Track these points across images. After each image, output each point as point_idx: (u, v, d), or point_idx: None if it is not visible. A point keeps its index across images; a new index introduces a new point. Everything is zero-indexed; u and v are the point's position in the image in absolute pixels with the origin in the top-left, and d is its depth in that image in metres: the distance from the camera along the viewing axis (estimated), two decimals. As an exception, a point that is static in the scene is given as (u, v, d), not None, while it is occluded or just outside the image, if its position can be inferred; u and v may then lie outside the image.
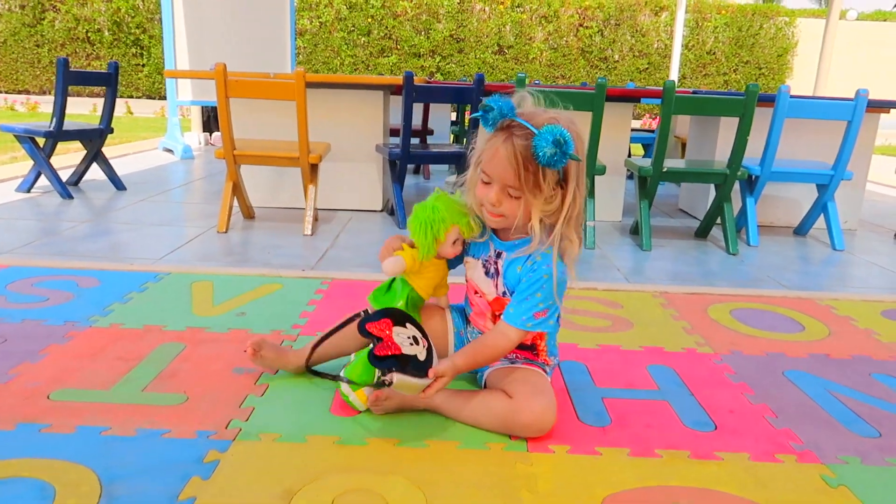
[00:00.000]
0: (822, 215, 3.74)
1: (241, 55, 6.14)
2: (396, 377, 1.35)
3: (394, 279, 1.63)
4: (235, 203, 3.55)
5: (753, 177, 3.58)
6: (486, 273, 1.56)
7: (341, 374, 1.59)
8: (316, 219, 3.58)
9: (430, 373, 1.39)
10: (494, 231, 1.55)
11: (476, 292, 1.62)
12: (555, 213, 1.41)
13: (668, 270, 2.99)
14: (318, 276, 2.61)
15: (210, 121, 7.01)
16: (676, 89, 3.19)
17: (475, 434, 1.47)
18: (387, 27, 15.33)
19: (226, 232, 3.32)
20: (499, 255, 1.54)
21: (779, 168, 3.52)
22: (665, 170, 3.32)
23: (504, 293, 1.54)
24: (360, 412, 1.55)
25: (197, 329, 2.02)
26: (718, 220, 3.60)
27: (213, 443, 1.41)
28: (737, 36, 16.08)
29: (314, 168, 3.42)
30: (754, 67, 16.24)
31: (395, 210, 3.67)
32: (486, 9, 15.62)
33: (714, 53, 16.15)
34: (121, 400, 1.58)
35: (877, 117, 3.98)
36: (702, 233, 3.71)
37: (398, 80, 3.60)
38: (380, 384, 1.39)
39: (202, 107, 6.78)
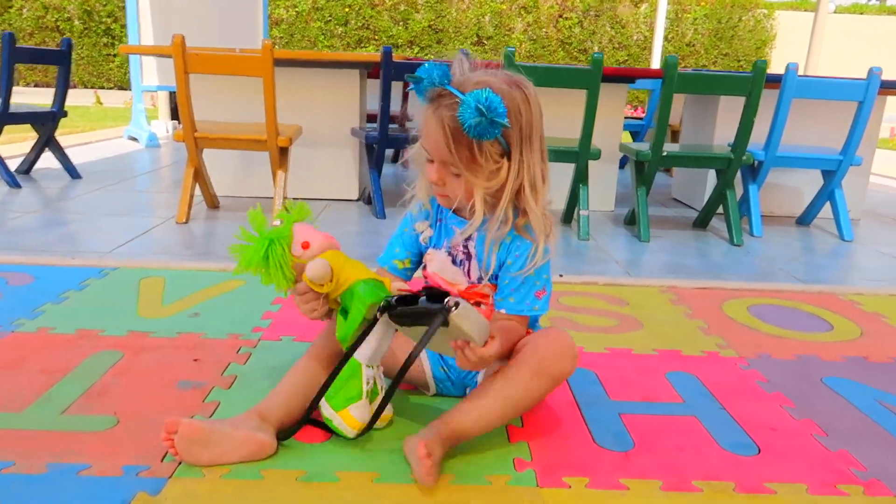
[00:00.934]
0: (826, 204, 3.53)
1: (208, 34, 5.77)
2: (463, 305, 1.10)
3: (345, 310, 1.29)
4: (198, 192, 3.24)
5: (756, 163, 3.34)
6: (454, 261, 1.33)
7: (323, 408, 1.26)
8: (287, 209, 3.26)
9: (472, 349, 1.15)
10: (455, 211, 1.32)
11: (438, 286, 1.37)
12: (500, 189, 1.22)
13: (670, 263, 2.74)
14: (285, 271, 2.31)
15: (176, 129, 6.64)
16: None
17: (471, 466, 1.19)
18: (364, 17, 14.93)
19: (186, 223, 3.01)
20: (467, 238, 1.31)
21: (784, 153, 3.29)
22: (665, 154, 3.07)
23: (480, 279, 1.32)
24: (349, 437, 1.25)
25: (140, 334, 1.72)
26: (719, 210, 3.36)
27: (143, 482, 1.12)
28: (716, 28, 15.92)
29: (284, 152, 3.11)
30: (733, 59, 16.10)
31: (373, 199, 3.38)
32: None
33: (693, 45, 15.98)
34: (34, 425, 1.28)
35: (883, 101, 3.76)
36: (701, 223, 3.46)
37: (375, 56, 3.30)
38: (432, 314, 1.10)
39: (170, 93, 6.41)
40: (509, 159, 1.20)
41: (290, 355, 1.63)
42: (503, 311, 1.31)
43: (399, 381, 1.19)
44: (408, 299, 1.16)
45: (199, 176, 3.16)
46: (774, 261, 2.85)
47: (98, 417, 1.32)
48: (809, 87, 3.16)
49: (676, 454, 1.28)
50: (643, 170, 3.19)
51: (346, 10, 14.86)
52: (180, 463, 1.17)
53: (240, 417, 1.23)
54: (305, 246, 1.23)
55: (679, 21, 15.99)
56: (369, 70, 3.83)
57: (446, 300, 1.10)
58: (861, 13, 18.91)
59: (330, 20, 14.90)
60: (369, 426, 1.23)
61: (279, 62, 3.01)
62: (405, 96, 4.79)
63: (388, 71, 3.10)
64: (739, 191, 3.41)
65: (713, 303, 2.20)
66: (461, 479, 1.16)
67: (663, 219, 3.64)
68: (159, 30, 5.52)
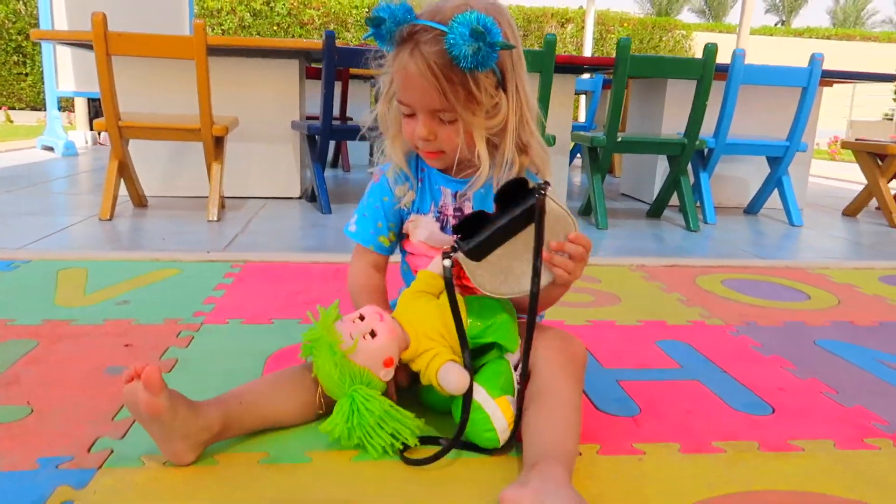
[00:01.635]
0: (772, 196, 3.54)
1: (130, 25, 5.43)
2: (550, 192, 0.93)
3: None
4: (124, 190, 2.97)
5: (707, 151, 3.32)
6: (443, 227, 1.15)
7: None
8: (223, 206, 3.03)
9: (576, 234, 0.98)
10: (441, 170, 1.14)
11: (426, 255, 1.18)
12: (502, 127, 1.04)
13: (631, 248, 2.65)
14: (227, 259, 2.10)
15: (99, 116, 6.24)
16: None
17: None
18: (294, 36, 14.68)
19: (110, 219, 2.73)
20: (460, 198, 1.14)
21: (734, 140, 3.28)
22: (619, 140, 3.00)
23: None
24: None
25: (58, 322, 1.48)
26: (671, 202, 3.33)
27: (64, 475, 0.90)
28: (638, 48, 16.43)
29: (219, 143, 2.88)
30: (657, 77, 16.66)
31: (318, 195, 3.18)
32: (397, 16, 15.28)
33: (619, 63, 16.45)
34: (-77, 420, 1.04)
35: (821, 91, 3.83)
36: (655, 212, 3.41)
37: (316, 44, 3.13)
38: (525, 213, 0.93)
39: (88, 100, 6.02)
40: (506, 90, 1.03)
41: (239, 338, 1.43)
42: None
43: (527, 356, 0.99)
44: (469, 225, 0.96)
45: (125, 171, 2.89)
46: (734, 244, 2.80)
47: (6, 408, 1.08)
48: (756, 73, 3.17)
49: (687, 417, 1.15)
50: (598, 157, 3.11)
51: (275, 28, 14.49)
52: (112, 452, 0.96)
53: (203, 415, 0.94)
54: (389, 363, 0.99)
55: (604, 41, 16.42)
56: (309, 62, 3.65)
57: (542, 187, 0.92)
58: (770, 35, 19.94)
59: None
60: (515, 430, 0.98)
61: (211, 50, 2.79)
62: (344, 95, 4.62)
63: (330, 56, 2.92)
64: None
65: (686, 278, 2.10)
66: (460, 451, 0.99)
67: (616, 211, 3.57)
68: (75, 19, 5.10)
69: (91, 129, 6.19)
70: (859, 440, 1.09)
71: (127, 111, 2.83)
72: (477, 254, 0.96)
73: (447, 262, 0.97)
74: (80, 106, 6.13)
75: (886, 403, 1.24)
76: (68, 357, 1.29)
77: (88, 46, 2.78)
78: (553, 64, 2.83)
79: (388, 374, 0.98)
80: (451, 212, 1.15)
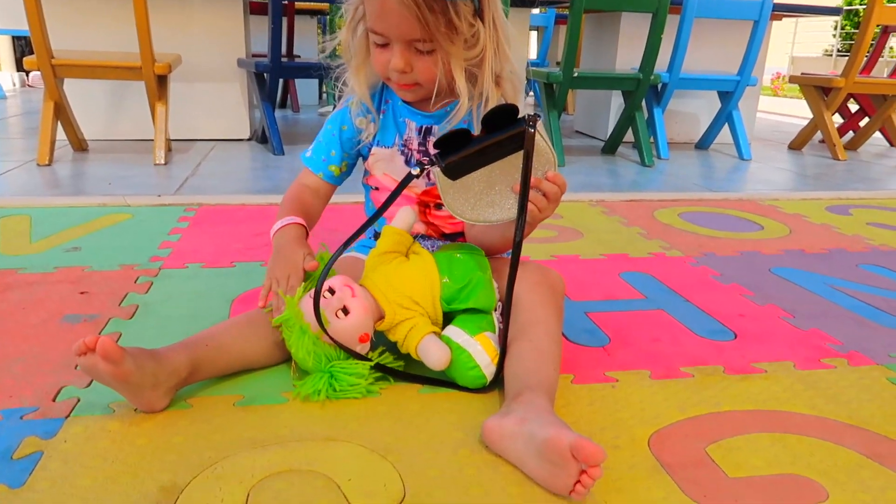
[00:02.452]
0: (723, 128, 3.60)
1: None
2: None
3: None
4: (62, 134, 2.81)
5: (661, 86, 3.33)
6: (407, 162, 1.13)
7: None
8: (169, 149, 2.92)
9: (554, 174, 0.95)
10: (408, 103, 1.10)
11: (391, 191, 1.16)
12: (481, 58, 1.01)
13: (589, 184, 2.66)
14: (180, 203, 2.02)
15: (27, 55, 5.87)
16: None
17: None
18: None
19: (49, 164, 2.60)
20: (426, 133, 1.11)
21: (687, 75, 3.29)
22: (575, 75, 2.98)
23: None
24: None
25: (5, 271, 1.41)
26: (625, 138, 3.35)
27: (31, 425, 0.87)
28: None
29: (162, 82, 2.75)
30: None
31: (269, 135, 3.08)
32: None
33: None
34: None
35: (770, 25, 3.86)
36: (610, 149, 3.43)
37: (261, -25, 2.98)
38: (512, 140, 0.90)
39: (13, 38, 5.65)
40: (483, 19, 0.99)
41: (201, 282, 1.39)
42: None
43: (510, 294, 0.96)
44: (450, 142, 0.91)
45: (62, 112, 2.74)
46: (687, 178, 2.85)
47: (-41, 361, 1.03)
48: (709, 6, 3.16)
49: (655, 345, 1.18)
50: (554, 94, 3.09)
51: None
52: (79, 400, 0.93)
53: (168, 361, 0.90)
54: (365, 339, 0.96)
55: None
56: (253, -5, 3.48)
57: (529, 118, 0.89)
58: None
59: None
60: (500, 369, 0.96)
61: (148, -20, 2.62)
62: (290, 31, 4.44)
63: (277, -12, 2.79)
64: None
65: (644, 212, 2.13)
66: (432, 387, 0.99)
67: (571, 147, 3.58)
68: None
69: (18, 71, 5.83)
70: (816, 360, 1.14)
71: (61, 48, 2.66)
72: (454, 172, 0.93)
73: (415, 170, 0.94)
74: (5, 45, 5.75)
75: (839, 325, 1.30)
76: (20, 307, 1.24)
77: (12, -23, 2.59)
78: (509, -3, 2.76)
79: (364, 349, 0.97)
80: (415, 146, 1.12)
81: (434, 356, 0.94)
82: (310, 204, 1.14)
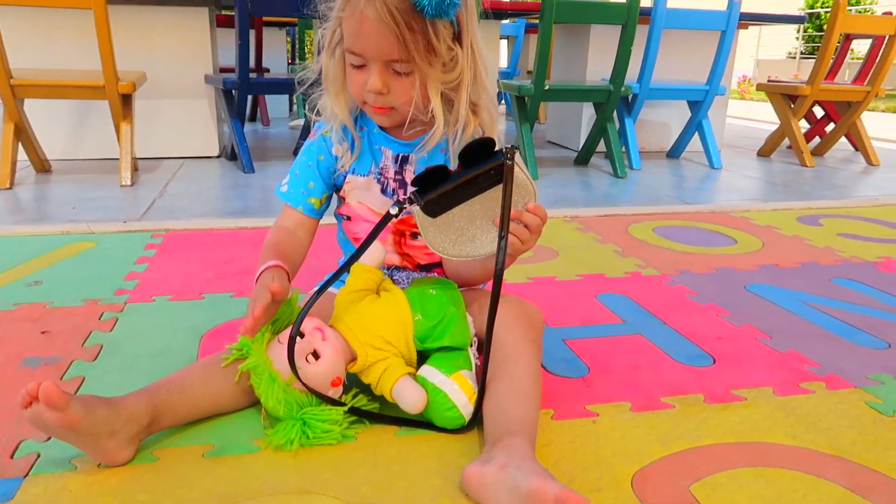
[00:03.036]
0: (692, 139, 3.63)
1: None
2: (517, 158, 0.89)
3: None
4: (23, 155, 2.73)
5: (631, 96, 3.35)
6: (383, 190, 1.10)
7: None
8: (135, 168, 2.86)
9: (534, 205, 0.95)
10: (384, 129, 1.08)
11: (365, 220, 1.13)
12: (458, 83, 0.99)
13: (562, 196, 2.66)
14: (147, 229, 1.97)
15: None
16: None
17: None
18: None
19: (10, 188, 2.52)
20: (402, 161, 1.08)
21: (656, 85, 3.31)
22: (547, 88, 2.98)
23: None
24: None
25: (-38, 310, 1.35)
26: (597, 149, 3.36)
27: (-13, 487, 0.83)
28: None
29: (127, 101, 2.68)
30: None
31: (238, 152, 3.03)
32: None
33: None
34: None
35: (736, 34, 3.90)
36: (582, 160, 3.44)
37: (227, -10, 2.93)
38: (490, 173, 0.89)
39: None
40: (461, 44, 0.97)
41: (168, 316, 1.35)
42: None
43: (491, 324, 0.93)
44: (428, 178, 0.89)
45: (22, 134, 2.66)
46: (659, 189, 2.86)
47: (-90, 414, 0.98)
48: (677, 17, 3.19)
49: (635, 373, 1.16)
50: (526, 106, 3.08)
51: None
52: (39, 456, 0.88)
53: (124, 407, 0.86)
54: (337, 383, 0.93)
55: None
56: (219, 9, 3.43)
57: (506, 149, 0.88)
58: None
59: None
60: (478, 409, 0.94)
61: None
62: (259, 45, 4.39)
63: (243, 3, 2.74)
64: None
65: (619, 227, 2.13)
66: (408, 430, 0.97)
67: (544, 159, 3.58)
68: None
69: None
70: (795, 385, 1.14)
71: (20, 68, 2.58)
72: (434, 209, 0.90)
73: (394, 210, 0.91)
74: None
75: (816, 345, 1.30)
76: (-23, 350, 1.19)
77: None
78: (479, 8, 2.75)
79: (336, 393, 0.94)
80: (391, 174, 1.10)
81: (409, 400, 0.91)
82: (290, 247, 1.08)
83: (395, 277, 1.18)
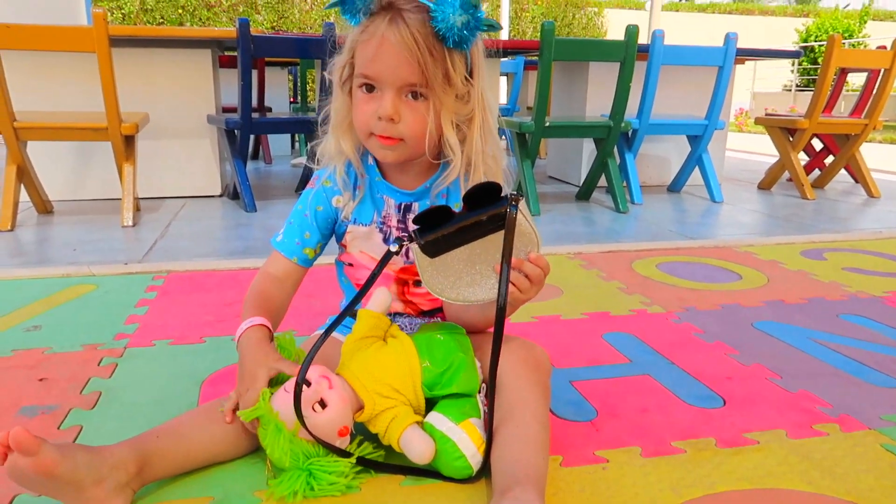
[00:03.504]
0: (693, 172, 3.64)
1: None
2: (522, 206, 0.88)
3: None
4: (25, 197, 2.74)
5: (631, 132, 3.37)
6: (386, 240, 1.08)
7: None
8: (138, 208, 2.86)
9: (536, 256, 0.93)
10: (384, 174, 1.07)
11: (367, 268, 1.11)
12: (470, 118, 0.99)
13: (565, 232, 2.66)
14: (148, 271, 1.96)
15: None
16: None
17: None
18: (201, 19, 14.03)
19: (11, 230, 2.52)
20: (405, 210, 1.07)
21: (656, 121, 3.34)
22: (547, 125, 3.00)
23: None
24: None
25: (-41, 357, 1.34)
26: (598, 183, 3.37)
27: (-21, 546, 0.80)
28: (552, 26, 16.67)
29: (130, 142, 2.70)
30: (574, 53, 16.94)
31: (240, 192, 3.03)
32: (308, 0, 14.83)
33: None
34: None
35: (733, 68, 3.94)
36: (584, 195, 3.45)
37: (230, 32, 2.97)
38: (493, 219, 0.87)
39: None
40: (472, 83, 0.97)
41: (169, 362, 1.33)
42: None
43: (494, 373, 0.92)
44: (430, 219, 0.87)
45: (25, 176, 2.67)
46: (661, 223, 2.86)
47: None
48: (675, 53, 3.22)
49: (644, 416, 1.14)
50: (526, 142, 3.10)
51: (180, 11, 13.85)
52: (33, 511, 0.86)
53: (110, 454, 0.85)
54: (344, 433, 0.90)
55: (518, 20, 16.53)
56: (222, 50, 3.47)
57: (511, 195, 0.86)
58: (676, 10, 20.55)
59: (162, 22, 13.86)
60: (486, 458, 0.91)
61: (115, 41, 2.59)
62: (261, 84, 4.44)
63: (246, 45, 2.77)
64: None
65: (622, 264, 2.12)
66: (413, 479, 0.94)
67: (545, 194, 3.58)
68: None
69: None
70: (808, 427, 1.11)
71: (23, 110, 2.61)
72: (433, 249, 0.89)
73: (394, 247, 0.90)
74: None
75: (827, 385, 1.27)
76: (-26, 398, 1.17)
77: (-26, 40, 2.53)
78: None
79: (343, 443, 0.91)
80: (394, 223, 1.08)
81: (417, 450, 0.89)
82: (275, 299, 1.07)
83: (398, 323, 1.16)
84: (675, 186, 3.77)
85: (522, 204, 0.87)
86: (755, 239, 2.51)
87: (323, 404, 0.89)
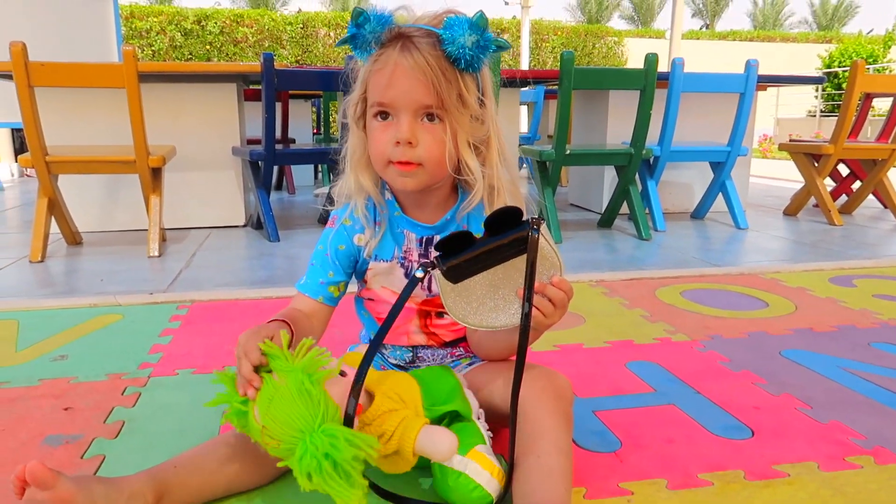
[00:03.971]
0: (717, 198, 3.61)
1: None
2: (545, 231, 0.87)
3: None
4: (56, 229, 2.80)
5: (652, 159, 3.36)
6: (407, 274, 1.08)
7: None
8: (164, 239, 2.90)
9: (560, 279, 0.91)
10: (403, 208, 1.07)
11: (389, 302, 1.11)
12: (487, 139, 1.01)
13: (587, 260, 2.64)
14: (172, 301, 1.98)
15: (24, 148, 5.95)
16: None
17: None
18: (228, 55, 14.38)
19: (41, 261, 2.57)
20: (427, 244, 1.07)
21: (677, 147, 3.32)
22: (568, 153, 3.00)
23: None
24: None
25: (-13, 386, 1.35)
26: (620, 210, 3.35)
27: (1, 577, 0.80)
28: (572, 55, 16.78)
29: (157, 174, 2.75)
30: (594, 82, 17.03)
31: (264, 222, 3.07)
32: (332, 33, 15.14)
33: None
34: None
35: (756, 95, 3.93)
36: (606, 222, 3.43)
37: (254, 66, 3.03)
38: (516, 242, 0.86)
39: (12, 130, 5.74)
40: (484, 107, 0.99)
41: (191, 391, 1.34)
42: None
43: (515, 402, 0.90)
44: (451, 244, 0.87)
45: (55, 208, 2.73)
46: (685, 250, 2.83)
47: (-70, 497, 0.97)
48: (695, 80, 3.22)
49: (669, 447, 1.12)
50: (547, 171, 3.10)
51: (207, 47, 14.21)
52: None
53: (127, 484, 0.86)
54: (359, 410, 0.87)
55: (539, 50, 16.68)
56: (247, 84, 3.54)
57: (522, 218, 0.86)
58: (697, 38, 20.61)
59: (190, 58, 14.21)
60: (507, 489, 0.90)
61: (144, 77, 2.66)
62: (285, 116, 4.51)
63: (270, 79, 2.83)
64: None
65: (646, 292, 2.10)
66: (435, 509, 0.93)
67: (567, 222, 3.57)
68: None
69: (16, 161, 5.90)
70: (841, 459, 1.08)
71: (54, 144, 2.68)
72: (455, 275, 0.89)
73: (419, 273, 0.89)
74: (4, 136, 5.84)
75: (859, 415, 1.24)
76: (2, 426, 1.18)
77: (8, 77, 2.61)
78: (499, 78, 2.81)
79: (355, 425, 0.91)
80: (415, 257, 1.08)
81: (443, 444, 0.86)
82: (302, 322, 1.05)
83: (420, 355, 1.16)
84: (698, 213, 3.74)
85: (544, 228, 0.87)
86: (782, 266, 2.47)
87: (343, 374, 0.90)
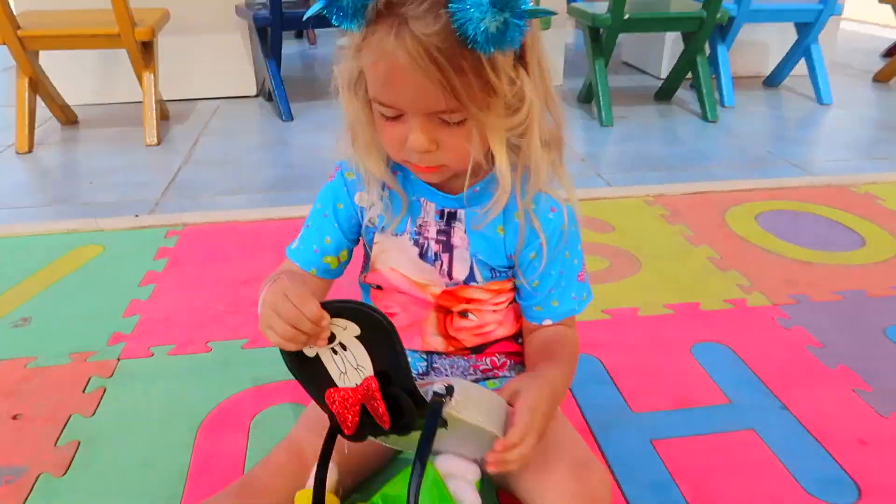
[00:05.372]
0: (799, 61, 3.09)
1: None
2: (459, 386, 0.66)
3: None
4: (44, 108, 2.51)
5: (727, 20, 2.82)
6: (423, 254, 0.83)
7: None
8: (165, 117, 2.62)
9: (500, 445, 0.66)
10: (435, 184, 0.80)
11: (400, 291, 0.86)
12: (526, 126, 0.73)
13: (643, 154, 2.28)
14: (161, 224, 1.73)
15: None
16: None
17: None
18: None
19: (30, 151, 2.31)
20: (449, 219, 0.81)
21: (759, 6, 2.78)
22: (627, 17, 2.51)
23: (470, 278, 0.83)
24: None
25: (-67, 370, 1.16)
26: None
27: None
28: None
29: (148, 47, 2.39)
30: None
31: (274, 95, 2.72)
32: None
33: None
34: None
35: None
36: (665, 94, 2.98)
37: None
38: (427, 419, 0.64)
39: None
40: (527, 67, 0.70)
41: (165, 386, 1.12)
42: (548, 320, 0.85)
43: None
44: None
45: (39, 87, 2.42)
46: (757, 140, 2.43)
47: None
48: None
49: (747, 513, 0.88)
50: (600, 38, 2.63)
51: None
52: None
53: None
54: None
55: None
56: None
57: (433, 390, 0.65)
58: None
59: None
60: None
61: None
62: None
63: (271, -74, 2.34)
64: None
65: (714, 215, 1.76)
66: None
67: (619, 90, 3.09)
68: None
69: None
70: (977, 545, 0.83)
71: (27, 10, 2.31)
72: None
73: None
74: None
75: None
76: (-64, 447, 0.99)
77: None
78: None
79: None
80: (432, 234, 0.82)
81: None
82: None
83: (436, 365, 0.93)
84: (773, 80, 3.23)
85: (460, 389, 0.66)
86: (875, 174, 2.07)
87: None
